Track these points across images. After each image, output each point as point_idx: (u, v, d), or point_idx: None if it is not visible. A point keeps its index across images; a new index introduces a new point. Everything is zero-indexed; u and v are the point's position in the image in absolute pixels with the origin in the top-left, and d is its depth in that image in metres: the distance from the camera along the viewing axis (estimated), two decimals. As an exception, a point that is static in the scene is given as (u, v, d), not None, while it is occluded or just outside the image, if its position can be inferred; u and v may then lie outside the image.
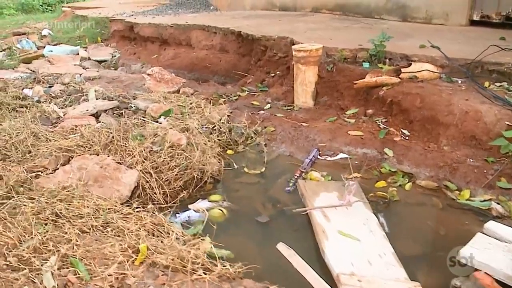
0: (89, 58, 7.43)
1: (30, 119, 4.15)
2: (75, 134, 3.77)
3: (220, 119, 4.18)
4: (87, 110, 4.47)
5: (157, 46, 7.32)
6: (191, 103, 4.71)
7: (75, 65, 6.76)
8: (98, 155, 3.21)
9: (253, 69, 6.06)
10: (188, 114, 4.25)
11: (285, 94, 5.23)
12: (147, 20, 7.58)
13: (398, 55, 4.57)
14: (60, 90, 5.35)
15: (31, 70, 6.66)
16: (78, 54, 7.41)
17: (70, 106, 4.79)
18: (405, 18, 6.74)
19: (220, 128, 4.06)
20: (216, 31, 6.55)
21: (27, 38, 8.19)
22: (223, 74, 6.39)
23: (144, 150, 3.22)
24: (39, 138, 3.58)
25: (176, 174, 3.13)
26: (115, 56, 7.52)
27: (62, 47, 7.54)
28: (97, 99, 4.99)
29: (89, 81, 6.02)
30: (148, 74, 5.62)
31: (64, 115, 4.44)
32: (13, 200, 2.62)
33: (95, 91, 5.22)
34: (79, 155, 3.18)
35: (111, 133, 3.47)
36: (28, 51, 7.33)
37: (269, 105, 5.03)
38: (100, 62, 7.35)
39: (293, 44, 5.18)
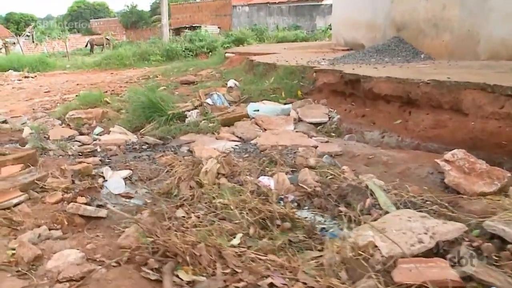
0: (299, 120, 5.66)
1: (338, 263, 2.27)
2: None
3: None
4: (422, 243, 2.48)
5: (395, 108, 5.32)
6: None
7: (297, 131, 4.98)
8: None
9: None
10: None
11: None
12: (381, 73, 5.65)
13: None
14: (317, 183, 3.51)
15: (238, 137, 5.03)
16: (289, 114, 5.66)
17: (361, 219, 2.87)
18: None
19: None
20: (512, 92, 4.36)
21: (216, 91, 6.70)
22: (529, 158, 4.14)
23: None
24: None
25: None
26: (333, 117, 5.65)
27: (269, 106, 5.82)
28: (396, 206, 3.04)
29: (331, 159, 4.17)
30: (446, 161, 3.57)
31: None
32: None
33: (378, 186, 3.31)
34: None
35: None
36: (226, 109, 5.78)
37: None
38: (315, 125, 5.54)
39: None
